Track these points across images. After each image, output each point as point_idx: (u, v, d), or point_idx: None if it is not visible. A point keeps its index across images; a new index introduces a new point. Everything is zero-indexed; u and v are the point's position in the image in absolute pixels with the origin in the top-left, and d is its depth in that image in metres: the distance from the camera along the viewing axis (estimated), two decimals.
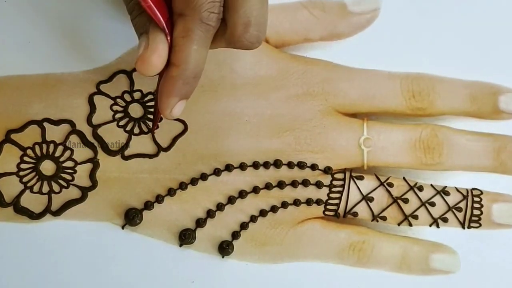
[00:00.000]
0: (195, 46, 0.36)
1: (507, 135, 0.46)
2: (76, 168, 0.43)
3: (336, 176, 0.44)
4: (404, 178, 0.44)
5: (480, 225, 0.44)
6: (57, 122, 0.43)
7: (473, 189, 0.45)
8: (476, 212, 0.44)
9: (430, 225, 0.44)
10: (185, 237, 0.42)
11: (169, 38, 0.36)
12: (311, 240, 0.43)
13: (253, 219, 0.43)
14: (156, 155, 0.43)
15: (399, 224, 0.44)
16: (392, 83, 0.45)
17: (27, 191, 0.42)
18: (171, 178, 0.43)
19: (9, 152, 0.42)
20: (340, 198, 0.43)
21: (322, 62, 0.45)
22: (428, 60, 0.46)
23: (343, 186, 0.44)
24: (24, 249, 0.42)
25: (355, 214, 0.44)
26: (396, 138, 0.44)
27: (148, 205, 0.42)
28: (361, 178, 0.44)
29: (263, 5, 0.36)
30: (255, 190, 0.43)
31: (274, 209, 0.43)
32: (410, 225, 0.44)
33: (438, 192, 0.44)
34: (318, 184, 0.43)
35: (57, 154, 0.43)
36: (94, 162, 0.43)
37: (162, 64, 0.36)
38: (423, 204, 0.44)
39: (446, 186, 0.44)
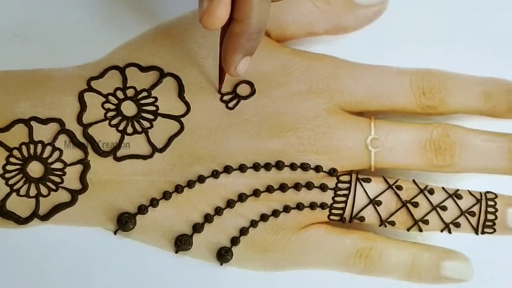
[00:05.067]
0: None
1: None
2: (65, 170, 0.42)
3: (341, 178, 0.43)
4: (413, 181, 0.43)
5: (495, 230, 0.43)
6: (45, 121, 0.42)
7: (487, 192, 0.44)
8: (490, 216, 0.43)
9: (442, 231, 0.43)
10: (181, 243, 0.42)
11: None
12: (315, 246, 0.42)
13: (253, 224, 0.42)
14: (150, 156, 0.42)
15: (408, 230, 0.43)
16: (401, 80, 0.44)
17: (14, 194, 0.41)
18: (167, 180, 0.42)
19: None
20: (346, 202, 0.43)
21: (326, 57, 0.45)
22: (439, 55, 0.46)
23: (349, 189, 0.43)
24: (10, 256, 0.41)
25: (362, 219, 0.43)
26: (406, 138, 0.43)
27: (142, 209, 0.42)
28: (368, 180, 0.43)
29: None
30: (256, 193, 0.42)
31: (275, 213, 0.42)
32: (420, 230, 0.43)
33: (450, 196, 0.43)
34: (323, 187, 0.42)
35: (45, 155, 0.42)
36: (84, 163, 0.42)
37: (226, 16, 0.36)
38: (434, 208, 0.43)
39: (458, 189, 0.43)
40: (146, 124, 0.43)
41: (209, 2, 0.36)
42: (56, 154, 0.42)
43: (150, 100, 0.43)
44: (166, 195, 0.42)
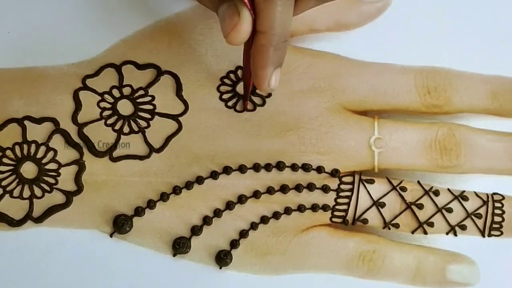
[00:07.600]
0: (279, 7, 0.36)
1: None
2: (60, 171, 0.42)
3: (344, 179, 0.42)
4: (418, 182, 0.43)
5: (502, 233, 0.43)
6: (39, 120, 0.42)
7: (494, 193, 0.44)
8: (497, 219, 0.43)
9: (447, 233, 0.43)
10: (179, 246, 0.41)
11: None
12: (317, 249, 0.42)
13: (253, 226, 0.42)
14: (147, 156, 0.42)
15: (413, 232, 0.43)
16: (405, 78, 0.44)
17: (7, 195, 0.41)
18: (164, 181, 0.42)
19: None
20: (348, 204, 0.42)
21: (329, 55, 0.45)
22: (445, 53, 0.46)
23: (351, 190, 0.42)
24: (2, 259, 0.41)
25: (365, 221, 0.42)
26: (410, 138, 0.43)
27: (138, 211, 0.41)
28: (371, 181, 0.43)
29: None
30: (256, 194, 0.42)
31: (276, 215, 0.42)
32: (425, 233, 0.43)
33: (455, 197, 0.43)
34: (325, 188, 0.42)
35: (39, 155, 0.42)
36: (79, 164, 0.42)
37: (250, 30, 0.36)
38: (439, 210, 0.42)
39: (464, 191, 0.43)
40: (143, 123, 0.42)
41: (232, 18, 0.36)
42: (50, 154, 0.41)
43: (147, 98, 0.43)
44: (164, 197, 0.41)
